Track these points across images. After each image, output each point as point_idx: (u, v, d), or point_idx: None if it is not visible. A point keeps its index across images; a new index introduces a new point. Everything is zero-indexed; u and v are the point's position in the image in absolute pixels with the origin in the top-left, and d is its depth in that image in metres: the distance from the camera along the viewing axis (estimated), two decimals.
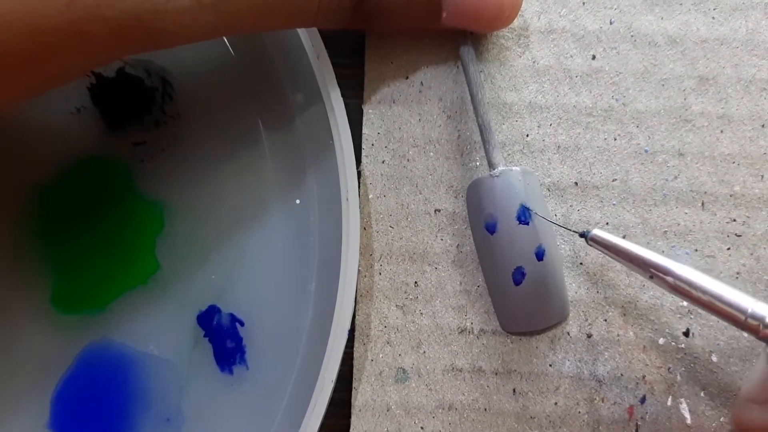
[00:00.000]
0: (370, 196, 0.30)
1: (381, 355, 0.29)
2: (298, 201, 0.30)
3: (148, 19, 0.22)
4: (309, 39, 0.28)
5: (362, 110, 0.31)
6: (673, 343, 0.29)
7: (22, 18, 0.21)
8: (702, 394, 0.29)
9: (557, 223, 0.29)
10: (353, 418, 0.29)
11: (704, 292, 0.24)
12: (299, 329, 0.29)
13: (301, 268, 0.29)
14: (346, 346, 0.27)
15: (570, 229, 0.28)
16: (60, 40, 0.22)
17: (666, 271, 0.25)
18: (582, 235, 0.26)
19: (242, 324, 0.29)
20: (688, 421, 0.28)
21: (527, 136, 0.30)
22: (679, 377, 0.29)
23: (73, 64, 0.23)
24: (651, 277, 0.25)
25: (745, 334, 0.29)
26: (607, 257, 0.29)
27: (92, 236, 0.29)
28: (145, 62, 0.30)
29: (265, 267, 0.30)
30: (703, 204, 0.29)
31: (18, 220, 0.29)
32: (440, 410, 0.29)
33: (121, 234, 0.29)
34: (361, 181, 0.30)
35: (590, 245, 0.26)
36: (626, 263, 0.25)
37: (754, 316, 0.23)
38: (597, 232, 0.26)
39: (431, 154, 0.30)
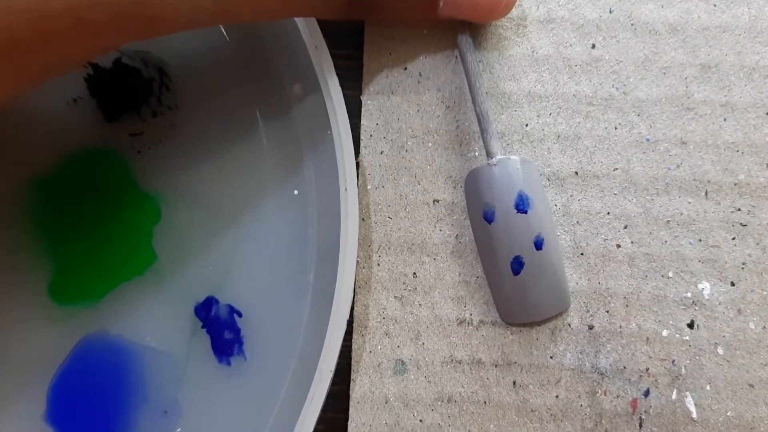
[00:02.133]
0: (369, 187, 0.30)
1: (379, 347, 0.29)
2: (296, 191, 0.30)
3: (147, 5, 0.22)
4: (307, 29, 0.28)
5: (361, 101, 0.30)
6: (677, 335, 0.28)
7: (22, 5, 0.21)
8: (708, 388, 0.28)
9: None
10: (351, 411, 0.28)
11: None
12: (298, 320, 0.29)
13: (299, 258, 0.29)
14: (345, 338, 0.27)
15: None
16: (60, 27, 0.22)
17: None
18: None
19: (240, 315, 0.29)
20: (694, 415, 0.28)
21: (526, 125, 0.30)
22: (684, 370, 0.28)
23: (72, 52, 0.23)
24: None
25: (752, 325, 0.28)
26: (608, 248, 0.29)
27: (89, 228, 0.29)
28: (143, 53, 0.30)
29: (263, 257, 0.29)
30: (706, 193, 0.29)
31: (14, 212, 0.29)
32: (439, 403, 0.28)
33: (118, 225, 0.29)
34: (359, 172, 0.30)
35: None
36: None
37: None
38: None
39: (430, 144, 0.30)
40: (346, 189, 0.27)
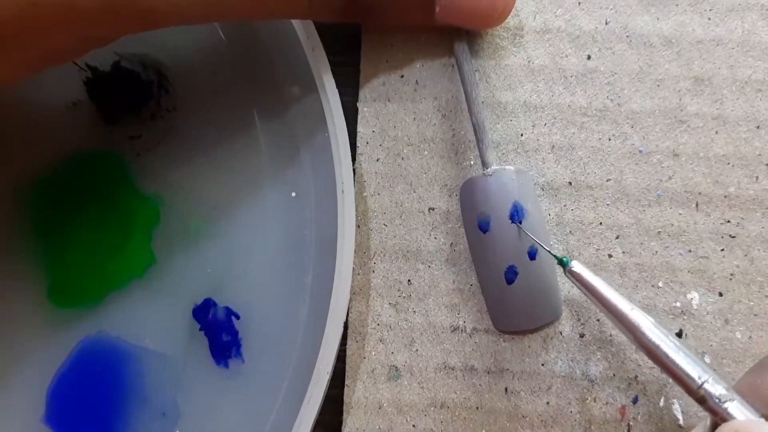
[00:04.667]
0: (365, 194, 0.30)
1: (374, 353, 0.29)
2: (293, 194, 0.30)
3: None
4: (304, 32, 0.28)
5: (357, 108, 0.31)
6: None
7: None
8: None
9: (538, 242, 0.27)
10: (345, 416, 0.29)
11: (665, 356, 0.24)
12: (295, 322, 0.29)
13: (296, 260, 0.30)
14: (340, 343, 0.27)
15: (550, 252, 0.27)
16: (52, 14, 0.22)
17: (632, 329, 0.25)
18: (560, 262, 0.26)
19: (238, 317, 0.29)
20: (681, 422, 0.28)
21: (522, 135, 0.30)
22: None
23: (67, 41, 0.23)
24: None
25: (738, 335, 0.29)
26: (600, 257, 0.29)
27: (88, 230, 0.29)
28: (141, 56, 0.30)
29: (261, 260, 0.30)
30: (697, 205, 0.29)
31: (13, 214, 0.29)
32: (432, 408, 0.29)
33: (117, 228, 0.29)
34: (355, 178, 0.30)
35: (567, 276, 0.26)
36: (598, 305, 0.25)
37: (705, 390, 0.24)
38: (576, 267, 0.26)
39: (426, 152, 0.30)
40: (343, 191, 0.28)
